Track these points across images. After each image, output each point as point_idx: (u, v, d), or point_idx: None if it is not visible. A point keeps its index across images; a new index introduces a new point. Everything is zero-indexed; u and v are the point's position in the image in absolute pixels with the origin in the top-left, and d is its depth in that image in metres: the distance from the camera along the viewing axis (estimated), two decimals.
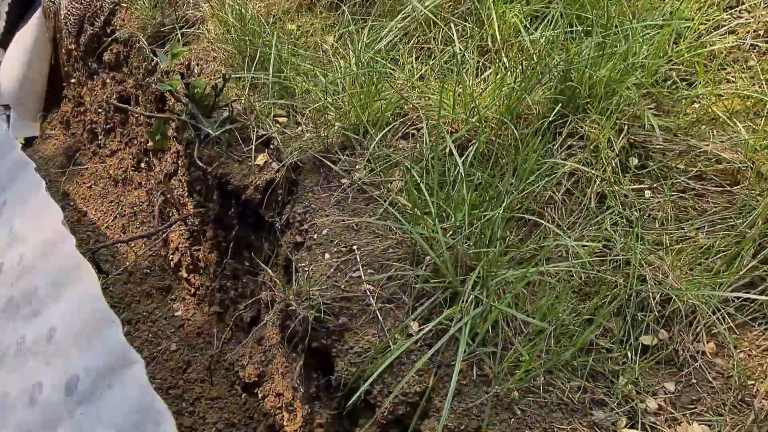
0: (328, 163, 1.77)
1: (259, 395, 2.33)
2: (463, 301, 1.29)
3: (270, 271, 1.54)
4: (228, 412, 2.40)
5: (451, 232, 1.37)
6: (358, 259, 1.50)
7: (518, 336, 1.31)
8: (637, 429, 1.17)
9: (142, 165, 3.44)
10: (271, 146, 2.00)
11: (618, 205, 1.44)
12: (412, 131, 1.82)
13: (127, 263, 3.32)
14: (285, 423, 2.14)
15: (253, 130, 2.00)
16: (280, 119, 2.06)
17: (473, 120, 1.59)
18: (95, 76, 3.88)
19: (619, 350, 1.26)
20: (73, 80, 4.32)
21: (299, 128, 1.99)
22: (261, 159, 1.99)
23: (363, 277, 1.45)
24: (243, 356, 2.43)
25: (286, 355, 1.77)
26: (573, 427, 1.19)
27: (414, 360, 1.33)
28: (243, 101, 2.08)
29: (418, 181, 1.41)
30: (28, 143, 5.84)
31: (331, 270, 1.50)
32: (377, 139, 1.66)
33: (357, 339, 1.39)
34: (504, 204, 1.32)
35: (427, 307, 1.36)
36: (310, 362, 1.59)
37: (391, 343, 1.34)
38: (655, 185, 1.50)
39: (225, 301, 2.62)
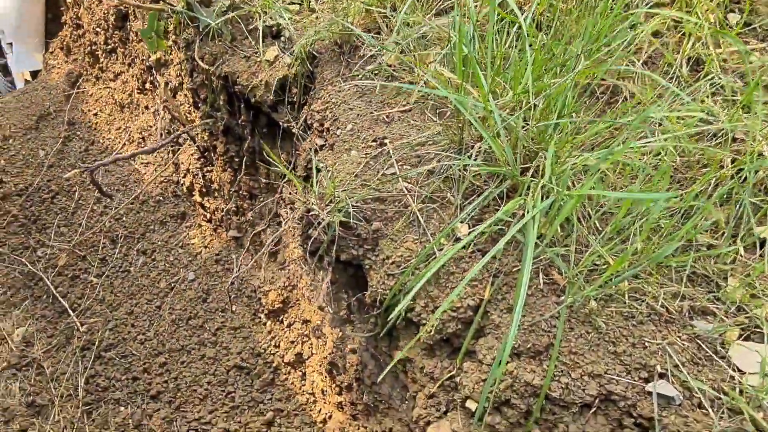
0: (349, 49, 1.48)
1: (285, 322, 2.15)
2: (525, 194, 1.03)
3: (287, 171, 1.29)
4: (252, 341, 2.24)
5: (507, 111, 1.10)
6: (392, 153, 1.24)
7: (595, 235, 1.05)
8: (753, 341, 0.93)
9: (147, 86, 3.17)
10: (282, 37, 1.71)
11: (717, 71, 1.13)
12: (449, 6, 1.51)
13: (138, 191, 3.12)
14: (314, 351, 1.97)
15: (260, 19, 1.71)
16: (291, 7, 1.76)
17: None
18: None
19: (728, 247, 1.00)
20: (69, 0, 4.00)
21: (314, 15, 1.69)
22: (271, 53, 1.70)
23: (398, 173, 1.19)
24: (265, 282, 2.24)
25: (312, 273, 1.56)
26: (670, 341, 0.95)
27: (465, 269, 1.09)
28: None
29: (465, 51, 1.11)
30: (34, 76, 5.61)
31: (360, 168, 1.25)
32: (403, 10, 1.36)
33: (394, 247, 1.15)
34: (577, 69, 1.03)
35: (478, 204, 1.11)
36: (339, 278, 1.37)
37: (435, 250, 1.10)
38: (764, 46, 1.18)
39: (242, 224, 2.41)
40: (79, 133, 3.74)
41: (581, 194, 0.90)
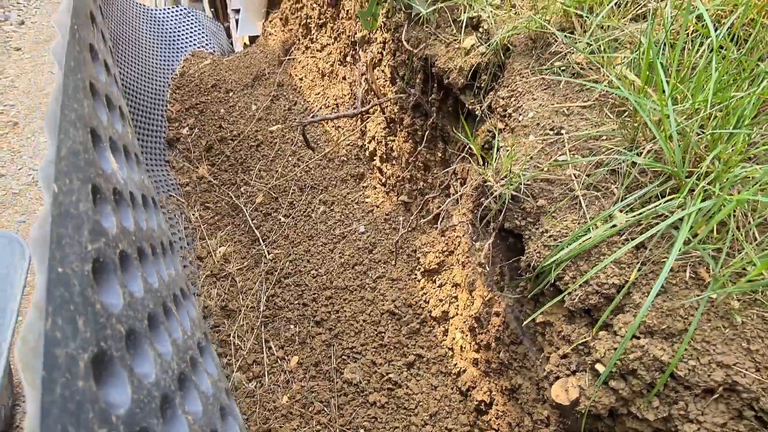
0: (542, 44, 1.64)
1: (437, 282, 2.41)
2: (687, 193, 1.14)
3: (474, 145, 1.50)
4: (406, 293, 2.54)
5: (684, 117, 1.20)
6: (566, 143, 1.39)
7: (751, 243, 1.12)
8: None
9: (348, 59, 3.59)
10: (481, 29, 1.92)
11: None
12: (645, 11, 1.59)
13: (327, 150, 3.58)
14: (459, 311, 2.19)
15: (465, 11, 1.93)
16: (493, 1, 1.95)
17: None
18: None
19: None
20: None
21: (513, 9, 1.86)
22: (469, 41, 1.92)
23: (569, 160, 1.35)
24: (425, 245, 2.52)
25: (475, 236, 1.77)
26: None
27: (616, 252, 1.23)
28: None
29: (653, 55, 1.23)
30: (252, 41, 6.49)
31: (535, 151, 1.43)
32: (602, 14, 1.48)
33: (554, 223, 1.32)
34: (762, 86, 1.10)
35: (638, 197, 1.23)
36: (498, 244, 1.57)
37: (591, 230, 1.25)
38: None
39: (413, 191, 2.70)
40: (285, 93, 4.33)
41: (742, 198, 0.99)
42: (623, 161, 1.28)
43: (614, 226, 1.23)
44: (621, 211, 1.25)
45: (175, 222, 3.39)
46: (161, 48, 4.90)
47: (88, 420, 0.52)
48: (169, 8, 5.66)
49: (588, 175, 1.33)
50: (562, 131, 1.43)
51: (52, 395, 0.47)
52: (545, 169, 1.37)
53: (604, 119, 1.41)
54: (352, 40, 3.41)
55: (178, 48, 5.16)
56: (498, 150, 1.48)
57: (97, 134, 0.87)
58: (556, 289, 1.33)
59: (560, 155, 1.38)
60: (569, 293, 1.27)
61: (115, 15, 4.25)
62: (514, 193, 1.38)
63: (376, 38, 2.88)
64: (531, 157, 1.41)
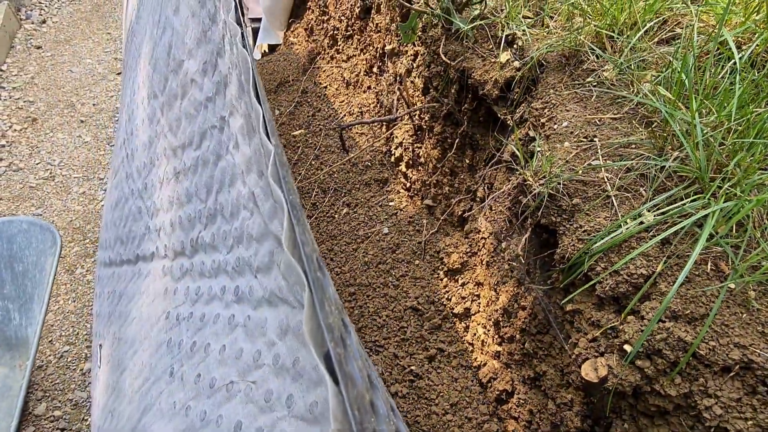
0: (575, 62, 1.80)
1: (459, 281, 2.55)
2: (710, 196, 1.29)
3: (518, 150, 1.66)
4: (429, 291, 2.68)
5: (709, 129, 1.35)
6: (599, 149, 1.55)
7: (766, 240, 1.27)
8: None
9: (374, 69, 3.77)
10: (516, 45, 2.08)
11: None
12: (671, 36, 1.76)
13: (351, 155, 3.74)
14: (481, 308, 2.33)
15: (502, 29, 2.10)
16: (528, 20, 2.12)
17: (754, 20, 1.49)
18: None
19: None
20: None
21: (547, 29, 2.03)
22: (504, 56, 2.09)
23: (602, 165, 1.50)
24: (449, 246, 2.66)
25: (502, 234, 1.91)
26: None
27: (644, 246, 1.37)
28: (495, 0, 2.17)
29: (683, 73, 1.39)
30: (271, 50, 6.68)
31: (570, 156, 1.58)
32: (636, 37, 1.65)
33: (588, 219, 1.47)
34: None
35: (665, 199, 1.38)
36: (532, 239, 1.72)
37: (622, 226, 1.40)
38: None
39: (438, 195, 2.85)
40: (308, 100, 4.50)
41: (761, 199, 1.15)
42: (652, 166, 1.43)
43: (642, 223, 1.38)
44: (649, 211, 1.40)
45: None
46: None
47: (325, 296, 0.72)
48: None
49: (619, 179, 1.48)
50: (595, 139, 1.59)
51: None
52: (580, 171, 1.53)
53: (634, 130, 1.56)
54: (380, 52, 3.59)
55: None
56: (536, 154, 1.64)
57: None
58: (588, 279, 1.47)
59: (593, 160, 1.54)
60: (600, 282, 1.41)
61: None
62: (552, 192, 1.53)
63: (407, 51, 3.05)
64: (566, 161, 1.56)
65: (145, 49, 2.21)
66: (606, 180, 1.49)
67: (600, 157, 1.54)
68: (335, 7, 4.46)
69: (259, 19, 6.84)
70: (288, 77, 4.85)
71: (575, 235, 1.48)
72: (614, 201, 1.45)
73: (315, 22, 4.98)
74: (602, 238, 1.41)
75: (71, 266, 4.42)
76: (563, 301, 1.57)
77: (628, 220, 1.40)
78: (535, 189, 1.55)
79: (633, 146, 1.53)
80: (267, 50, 6.97)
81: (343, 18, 4.27)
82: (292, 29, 5.83)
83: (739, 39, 1.55)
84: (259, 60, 5.88)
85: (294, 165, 3.98)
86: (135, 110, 2.21)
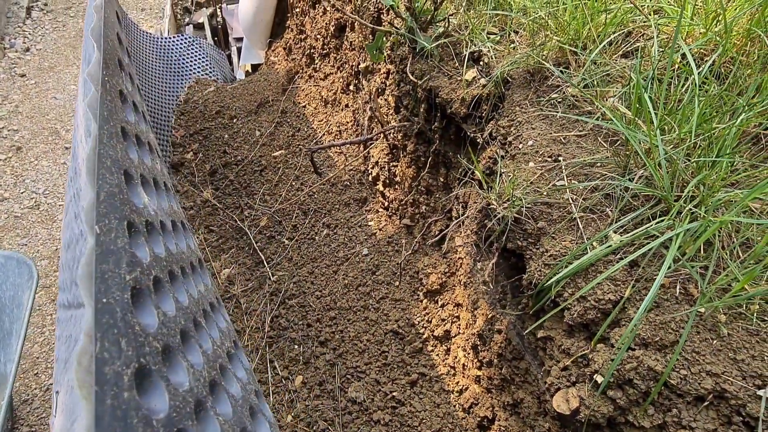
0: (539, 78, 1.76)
1: (439, 303, 2.49)
2: (675, 216, 1.24)
3: (479, 171, 1.61)
4: (409, 313, 2.62)
5: (671, 146, 1.31)
6: (564, 169, 1.50)
7: (734, 261, 1.22)
8: None
9: (351, 87, 3.73)
10: (482, 62, 2.05)
11: None
12: (635, 48, 1.72)
13: (330, 175, 3.69)
14: (461, 330, 2.27)
15: (466, 46, 2.06)
16: (493, 36, 2.09)
17: (714, 32, 1.45)
18: (317, 5, 4.25)
19: None
20: (297, 10, 4.77)
21: (512, 45, 1.99)
22: (470, 74, 2.05)
23: (566, 186, 1.45)
24: (428, 266, 2.61)
25: (478, 256, 1.86)
26: None
27: (611, 269, 1.32)
28: (459, 17, 2.14)
29: (641, 90, 1.34)
30: (254, 69, 6.65)
31: (535, 177, 1.53)
32: (596, 52, 1.61)
33: (553, 243, 1.42)
34: (740, 119, 1.21)
35: (631, 219, 1.33)
36: (500, 264, 1.67)
37: (588, 249, 1.34)
38: None
39: (416, 215, 2.80)
40: (288, 120, 4.46)
41: (725, 220, 1.10)
42: (617, 186, 1.38)
43: (609, 246, 1.32)
44: (615, 232, 1.35)
45: None
46: (166, 75, 5.04)
47: (134, 425, 0.61)
48: (174, 36, 5.82)
49: (584, 199, 1.43)
50: (560, 158, 1.54)
51: (103, 406, 0.57)
52: (545, 193, 1.48)
53: (599, 148, 1.52)
54: (356, 70, 3.55)
55: (182, 75, 5.30)
56: (500, 175, 1.59)
57: (129, 174, 0.97)
58: (557, 305, 1.42)
59: (558, 181, 1.49)
60: (568, 308, 1.36)
61: (124, 42, 4.39)
62: (516, 215, 1.48)
63: (380, 69, 3.02)
64: (531, 182, 1.52)
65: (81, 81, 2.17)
66: (571, 201, 1.44)
67: (565, 177, 1.49)
68: (311, 26, 4.44)
69: (242, 38, 6.84)
70: (268, 97, 4.82)
71: (541, 259, 1.43)
72: (579, 223, 1.40)
73: (293, 41, 4.96)
74: (569, 263, 1.36)
75: (57, 296, 4.34)
76: (533, 327, 1.51)
77: (594, 243, 1.35)
78: (499, 213, 1.50)
79: (598, 165, 1.49)
80: (250, 70, 6.96)
81: (319, 36, 4.24)
82: (272, 48, 5.81)
83: (702, 51, 1.51)
84: (240, 81, 5.85)
85: (275, 186, 3.93)
86: (77, 148, 2.16)
